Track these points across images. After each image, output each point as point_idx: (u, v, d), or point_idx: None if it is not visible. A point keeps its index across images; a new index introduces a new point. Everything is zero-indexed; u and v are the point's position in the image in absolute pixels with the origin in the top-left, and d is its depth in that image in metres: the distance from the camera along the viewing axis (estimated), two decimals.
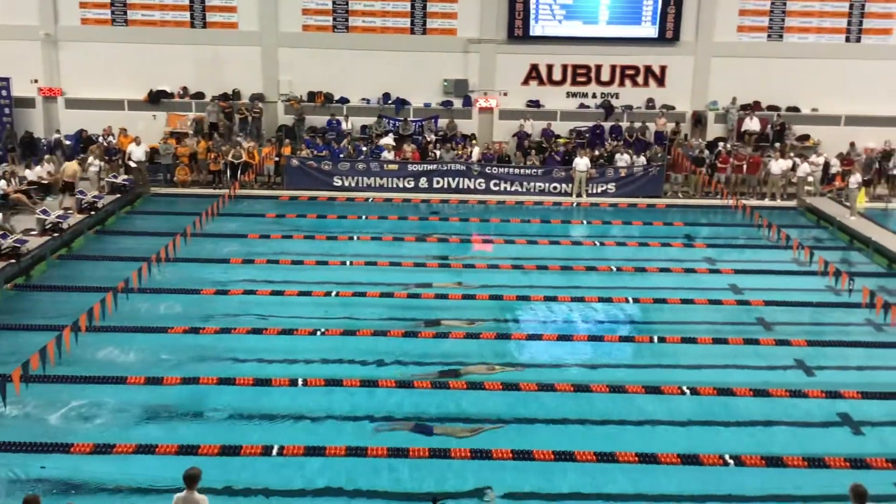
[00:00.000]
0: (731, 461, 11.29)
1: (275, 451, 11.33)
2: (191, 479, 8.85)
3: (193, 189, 25.78)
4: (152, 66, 28.13)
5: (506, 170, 26.25)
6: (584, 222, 23.79)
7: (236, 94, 28.57)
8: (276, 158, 26.40)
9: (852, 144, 27.35)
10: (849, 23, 28.70)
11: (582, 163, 25.49)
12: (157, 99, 28.35)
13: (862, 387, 13.45)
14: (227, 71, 28.45)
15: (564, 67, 28.91)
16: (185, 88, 28.65)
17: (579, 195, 25.54)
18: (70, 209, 21.56)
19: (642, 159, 26.51)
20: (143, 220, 23.22)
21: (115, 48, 27.98)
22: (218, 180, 26.03)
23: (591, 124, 28.60)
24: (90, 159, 24.79)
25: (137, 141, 25.69)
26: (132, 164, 25.38)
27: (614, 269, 19.26)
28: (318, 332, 15.24)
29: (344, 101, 28.80)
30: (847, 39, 28.80)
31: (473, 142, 27.60)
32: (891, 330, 15.62)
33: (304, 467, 11.12)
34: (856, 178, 23.63)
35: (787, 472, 11.10)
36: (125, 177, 24.98)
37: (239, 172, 25.68)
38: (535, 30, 28.47)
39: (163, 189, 25.80)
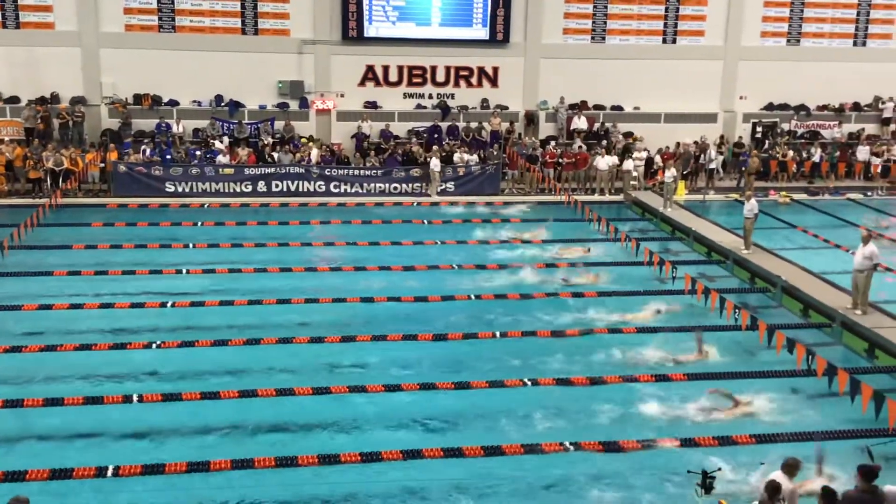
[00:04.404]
0: (571, 447, 11.72)
1: (109, 472, 10.78)
2: None
3: (10, 199, 24.29)
4: None
5: (345, 171, 26.16)
6: (425, 222, 24.00)
7: (55, 98, 27.02)
8: (102, 164, 25.14)
9: (640, 138, 29.05)
10: (665, 25, 30.49)
11: (438, 163, 25.82)
12: None
13: (687, 369, 14.28)
14: (45, 73, 26.85)
15: (400, 68, 29.14)
16: None
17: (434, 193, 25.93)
18: None
19: (476, 157, 27.12)
20: None
21: None
22: (38, 189, 24.54)
23: (428, 124, 28.97)
24: None
25: None
26: None
27: (455, 266, 19.56)
28: (154, 345, 14.64)
29: (174, 103, 27.80)
30: (664, 41, 30.58)
31: (311, 144, 27.31)
32: (711, 314, 16.66)
33: (141, 486, 10.62)
34: (671, 173, 25.01)
35: (619, 456, 11.58)
36: None
37: (61, 180, 24.28)
38: (370, 31, 28.53)
39: None
